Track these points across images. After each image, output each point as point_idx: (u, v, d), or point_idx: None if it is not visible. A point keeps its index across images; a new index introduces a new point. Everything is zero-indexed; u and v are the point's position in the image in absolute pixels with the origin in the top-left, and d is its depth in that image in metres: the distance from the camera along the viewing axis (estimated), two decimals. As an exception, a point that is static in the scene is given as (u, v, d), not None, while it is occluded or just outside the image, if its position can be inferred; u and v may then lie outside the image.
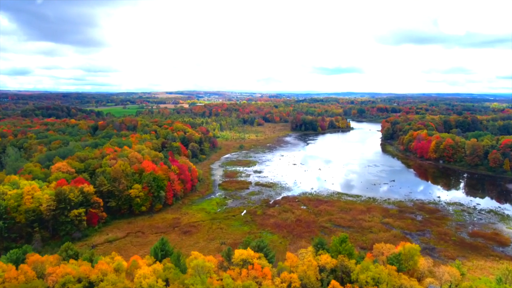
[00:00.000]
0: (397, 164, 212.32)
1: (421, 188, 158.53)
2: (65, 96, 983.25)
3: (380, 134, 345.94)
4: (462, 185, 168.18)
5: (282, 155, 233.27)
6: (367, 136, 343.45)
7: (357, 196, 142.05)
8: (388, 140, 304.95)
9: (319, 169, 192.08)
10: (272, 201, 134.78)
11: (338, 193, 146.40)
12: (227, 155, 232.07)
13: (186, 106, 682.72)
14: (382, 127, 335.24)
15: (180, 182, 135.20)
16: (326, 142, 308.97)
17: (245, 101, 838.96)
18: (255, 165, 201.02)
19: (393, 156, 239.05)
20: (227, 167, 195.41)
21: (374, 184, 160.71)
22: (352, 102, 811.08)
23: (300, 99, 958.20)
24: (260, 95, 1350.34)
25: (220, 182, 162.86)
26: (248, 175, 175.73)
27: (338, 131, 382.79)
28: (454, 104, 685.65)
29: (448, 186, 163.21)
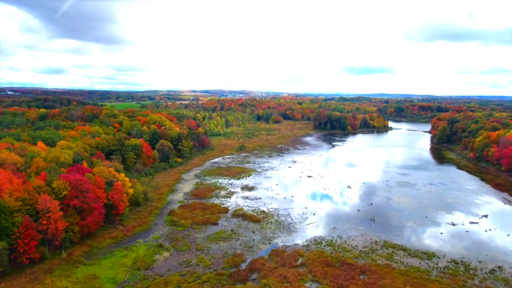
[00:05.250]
0: (472, 181, 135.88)
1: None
2: (91, 93, 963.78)
3: (428, 136, 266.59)
4: None
5: (295, 161, 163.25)
6: (411, 139, 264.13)
7: (428, 255, 69.76)
8: (444, 143, 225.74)
9: (349, 186, 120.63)
10: (247, 261, 66.03)
11: (385, 243, 74.96)
12: (217, 159, 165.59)
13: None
14: (434, 126, 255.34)
15: (75, 212, 70.04)
16: (358, 145, 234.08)
17: (268, 99, 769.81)
18: (249, 175, 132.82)
19: (459, 167, 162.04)
20: (206, 178, 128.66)
21: (453, 224, 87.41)
22: (386, 102, 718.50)
23: (329, 98, 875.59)
24: (286, 94, 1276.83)
25: (176, 206, 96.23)
26: (230, 194, 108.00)
27: (373, 131, 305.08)
28: (507, 106, 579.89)
29: None
